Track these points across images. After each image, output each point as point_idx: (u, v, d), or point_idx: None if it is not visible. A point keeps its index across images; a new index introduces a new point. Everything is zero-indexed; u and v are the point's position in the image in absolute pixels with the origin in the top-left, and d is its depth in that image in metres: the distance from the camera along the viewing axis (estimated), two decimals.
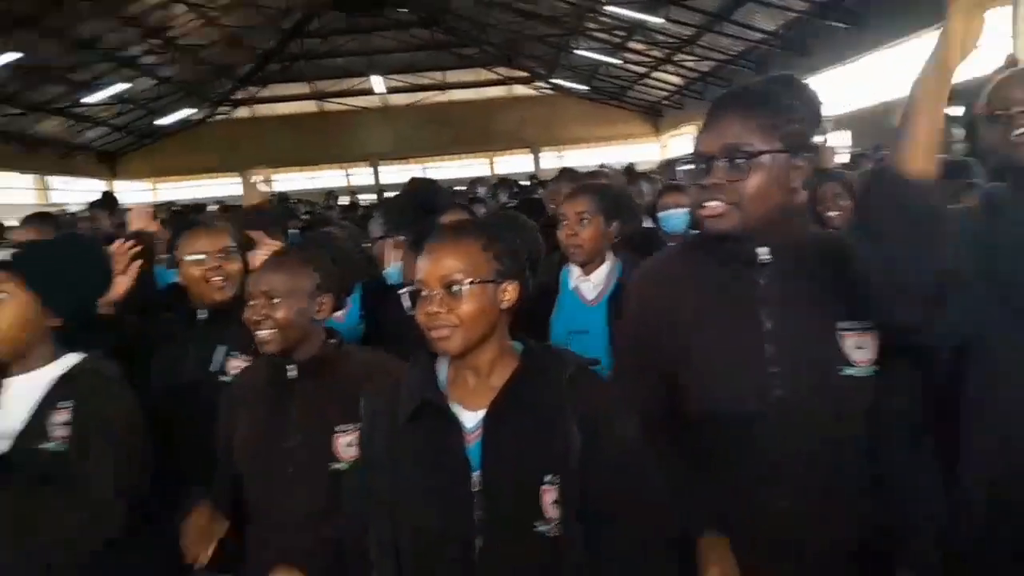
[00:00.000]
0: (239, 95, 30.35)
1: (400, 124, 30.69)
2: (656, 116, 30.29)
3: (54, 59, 20.03)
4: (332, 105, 31.14)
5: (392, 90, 29.83)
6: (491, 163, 31.69)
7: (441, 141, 30.27)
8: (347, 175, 31.92)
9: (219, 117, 30.82)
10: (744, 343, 1.68)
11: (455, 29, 27.22)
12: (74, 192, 27.71)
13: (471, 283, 1.50)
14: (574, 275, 3.01)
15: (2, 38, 17.35)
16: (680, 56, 22.52)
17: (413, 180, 4.90)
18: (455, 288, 1.50)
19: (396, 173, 31.35)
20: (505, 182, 11.86)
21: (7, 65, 17.96)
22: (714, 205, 1.60)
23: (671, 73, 24.38)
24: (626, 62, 24.34)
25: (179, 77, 25.77)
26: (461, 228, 1.64)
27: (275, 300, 1.97)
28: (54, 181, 27.33)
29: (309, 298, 2.04)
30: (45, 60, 19.73)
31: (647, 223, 4.46)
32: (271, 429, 2.04)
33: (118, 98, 24.02)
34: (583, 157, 30.16)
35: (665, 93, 27.30)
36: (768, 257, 1.65)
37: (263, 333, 1.98)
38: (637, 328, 1.89)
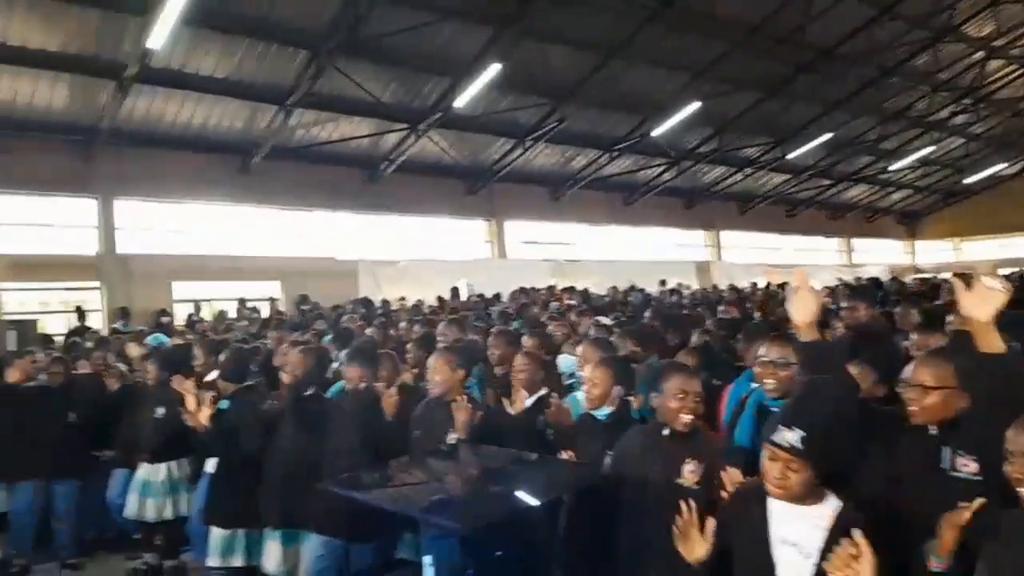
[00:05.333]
0: None
1: None
2: None
3: (864, 133, 21.40)
4: None
5: None
6: None
7: None
8: None
9: None
10: None
11: None
12: (872, 252, 29.01)
13: None
14: None
15: (818, 121, 19.53)
16: None
17: None
18: None
19: None
20: None
21: (822, 144, 20.12)
22: None
23: None
24: None
25: (991, 132, 24.05)
26: None
27: None
28: (856, 243, 29.00)
29: None
30: (855, 135, 21.32)
31: None
32: None
33: (923, 160, 23.98)
34: None
35: None
36: None
37: None
38: None
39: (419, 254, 17.29)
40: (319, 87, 13.28)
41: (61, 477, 5.59)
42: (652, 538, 2.60)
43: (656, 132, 17.12)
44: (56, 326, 11.67)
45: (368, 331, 7.52)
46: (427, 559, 2.70)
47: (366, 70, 13.69)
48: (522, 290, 13.55)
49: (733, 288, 14.96)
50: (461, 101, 14.09)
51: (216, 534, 4.21)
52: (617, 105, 16.95)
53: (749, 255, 24.61)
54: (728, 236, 24.66)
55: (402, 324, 8.37)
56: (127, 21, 11.14)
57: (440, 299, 13.30)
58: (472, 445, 3.33)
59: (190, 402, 4.17)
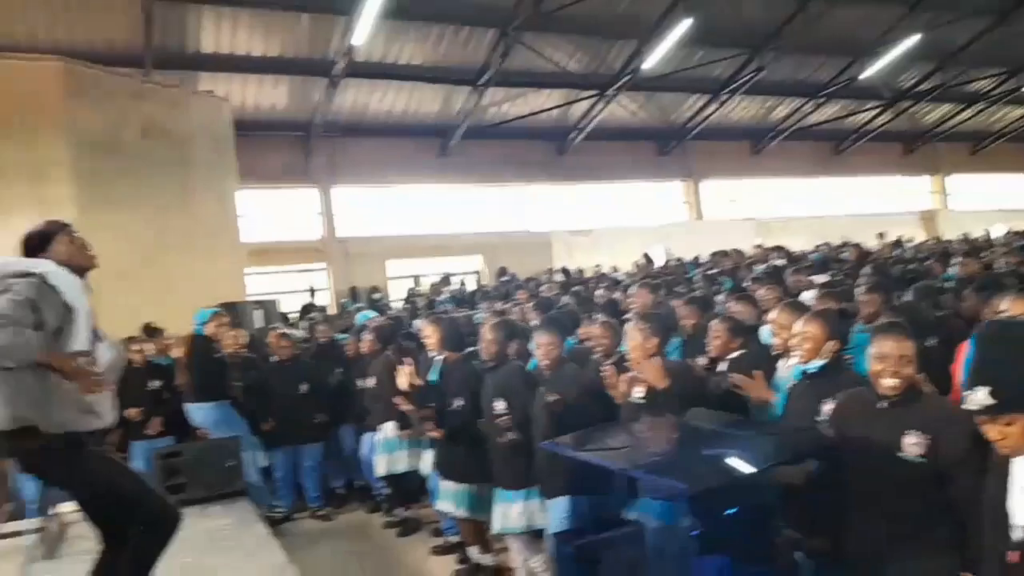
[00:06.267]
0: None
1: None
2: None
3: None
4: None
5: None
6: None
7: None
8: None
9: None
10: None
11: None
12: None
13: None
14: None
15: None
16: None
17: None
18: None
19: None
20: None
21: None
22: None
23: None
24: None
25: None
26: None
27: None
28: None
29: None
30: None
31: None
32: None
33: None
34: None
35: None
36: None
37: None
38: None
39: (613, 221, 17.22)
40: (508, 64, 13.57)
41: (304, 440, 6.25)
42: (876, 506, 2.49)
43: (866, 73, 15.68)
44: (291, 305, 12.99)
45: (564, 299, 7.64)
46: (650, 518, 2.72)
47: (552, 42, 13.78)
48: (723, 252, 13.02)
49: (965, 239, 13.40)
50: (650, 62, 13.74)
51: (446, 486, 4.53)
52: (820, 48, 15.73)
53: (983, 201, 21.87)
54: (956, 181, 22.09)
55: (598, 292, 8.39)
56: (332, 22, 12.05)
57: (637, 265, 13.16)
58: (673, 405, 3.29)
59: (407, 407, 4.49)
